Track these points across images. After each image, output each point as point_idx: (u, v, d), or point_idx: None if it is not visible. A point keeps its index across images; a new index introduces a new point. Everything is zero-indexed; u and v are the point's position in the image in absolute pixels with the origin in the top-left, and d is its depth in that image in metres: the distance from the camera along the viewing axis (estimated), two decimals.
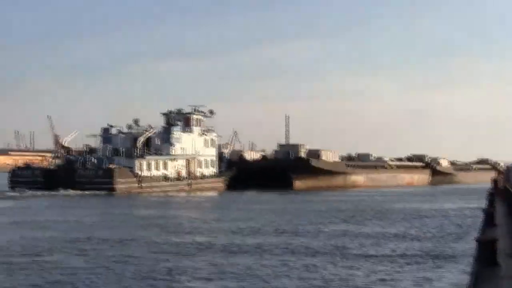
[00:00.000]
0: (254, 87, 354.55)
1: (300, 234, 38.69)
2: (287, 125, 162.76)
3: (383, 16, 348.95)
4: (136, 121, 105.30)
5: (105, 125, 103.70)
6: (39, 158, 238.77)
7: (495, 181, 45.33)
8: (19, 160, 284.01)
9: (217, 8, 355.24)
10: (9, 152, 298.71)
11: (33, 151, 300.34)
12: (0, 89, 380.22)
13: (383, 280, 24.18)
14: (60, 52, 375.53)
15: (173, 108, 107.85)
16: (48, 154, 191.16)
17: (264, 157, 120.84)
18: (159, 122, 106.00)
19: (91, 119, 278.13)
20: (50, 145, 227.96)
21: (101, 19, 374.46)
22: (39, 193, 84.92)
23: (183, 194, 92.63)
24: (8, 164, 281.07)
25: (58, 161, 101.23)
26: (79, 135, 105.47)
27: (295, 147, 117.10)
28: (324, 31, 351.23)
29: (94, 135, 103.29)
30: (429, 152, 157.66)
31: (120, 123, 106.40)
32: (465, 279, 19.09)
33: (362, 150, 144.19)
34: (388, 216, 53.27)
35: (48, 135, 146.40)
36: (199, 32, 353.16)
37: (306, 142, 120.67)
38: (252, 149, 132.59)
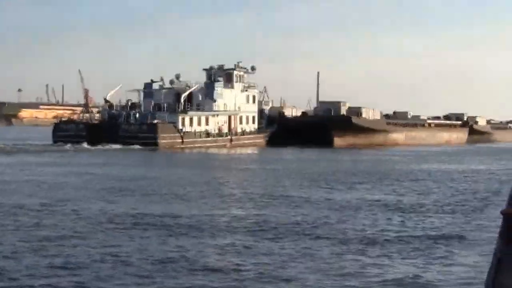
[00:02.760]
0: (286, 45, 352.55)
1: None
2: (318, 83, 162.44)
3: None
4: (177, 76, 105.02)
5: (146, 80, 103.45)
6: (69, 112, 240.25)
7: None
8: (48, 114, 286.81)
9: None
10: (39, 106, 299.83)
11: (63, 104, 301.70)
12: (34, 43, 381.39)
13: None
14: (96, 6, 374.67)
15: (214, 64, 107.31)
16: (78, 108, 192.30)
17: (304, 114, 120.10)
18: (198, 78, 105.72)
19: (130, 74, 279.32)
20: (81, 99, 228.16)
21: None
22: (85, 146, 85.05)
23: (224, 150, 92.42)
24: (36, 117, 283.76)
25: (97, 116, 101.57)
26: (121, 90, 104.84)
27: (336, 104, 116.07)
28: None
29: (136, 90, 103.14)
30: (464, 111, 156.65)
31: (159, 78, 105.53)
32: (484, 263, 17.54)
33: (398, 109, 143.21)
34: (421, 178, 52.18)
35: (79, 89, 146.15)
36: None
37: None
38: (280, 105, 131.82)
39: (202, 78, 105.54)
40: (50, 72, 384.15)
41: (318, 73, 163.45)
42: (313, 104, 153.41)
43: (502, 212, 6.19)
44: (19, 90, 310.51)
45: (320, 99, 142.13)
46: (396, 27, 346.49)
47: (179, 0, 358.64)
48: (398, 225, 26.47)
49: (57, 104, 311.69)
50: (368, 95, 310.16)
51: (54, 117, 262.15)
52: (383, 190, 39.91)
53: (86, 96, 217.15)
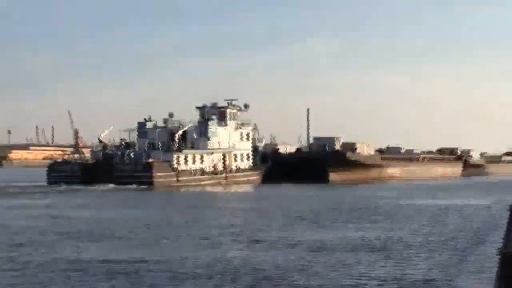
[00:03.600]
0: (274, 82, 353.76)
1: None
2: (308, 119, 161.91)
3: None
4: (170, 115, 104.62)
5: (136, 120, 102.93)
6: (59, 153, 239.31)
7: None
8: (38, 155, 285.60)
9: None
10: (29, 147, 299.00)
11: (53, 146, 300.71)
12: (21, 87, 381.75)
13: None
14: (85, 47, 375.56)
15: (207, 102, 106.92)
16: (68, 149, 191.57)
17: (298, 150, 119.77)
18: (191, 117, 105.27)
19: (120, 114, 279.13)
20: (71, 140, 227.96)
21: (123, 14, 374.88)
22: (79, 187, 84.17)
23: (219, 188, 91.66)
24: (27, 159, 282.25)
25: (88, 156, 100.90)
26: (113, 130, 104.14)
27: (330, 140, 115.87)
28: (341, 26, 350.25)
29: (130, 129, 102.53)
30: (457, 144, 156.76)
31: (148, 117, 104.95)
32: None
33: (389, 143, 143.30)
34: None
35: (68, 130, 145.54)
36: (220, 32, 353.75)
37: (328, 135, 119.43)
38: (272, 142, 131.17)
39: (195, 116, 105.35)
40: (40, 113, 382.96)
41: (308, 109, 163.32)
42: (304, 140, 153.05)
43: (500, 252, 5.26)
44: (9, 132, 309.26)
45: (312, 134, 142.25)
46: (382, 64, 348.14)
47: (170, 42, 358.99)
48: (382, 269, 24.86)
49: (47, 145, 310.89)
50: (359, 130, 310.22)
51: (45, 158, 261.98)
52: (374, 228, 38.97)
53: (76, 137, 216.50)
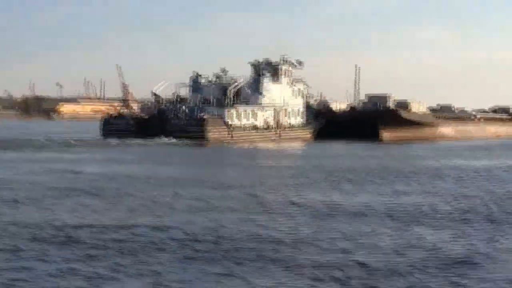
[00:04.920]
0: (325, 38, 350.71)
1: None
2: (357, 76, 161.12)
3: None
4: (223, 70, 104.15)
5: (185, 75, 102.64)
6: (108, 106, 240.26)
7: None
8: (88, 107, 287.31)
9: None
10: (78, 100, 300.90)
11: (102, 99, 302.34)
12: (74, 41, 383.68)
13: None
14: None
15: (260, 58, 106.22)
16: (116, 103, 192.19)
17: (352, 108, 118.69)
18: (242, 72, 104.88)
19: (169, 69, 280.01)
20: (119, 94, 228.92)
21: None
22: (133, 141, 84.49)
23: (271, 144, 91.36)
24: (76, 111, 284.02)
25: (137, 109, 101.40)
26: (166, 84, 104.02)
27: (383, 98, 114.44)
28: None
29: (184, 84, 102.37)
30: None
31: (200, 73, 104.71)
32: None
33: (440, 101, 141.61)
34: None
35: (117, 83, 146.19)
36: None
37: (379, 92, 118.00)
38: (320, 99, 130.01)
39: (247, 72, 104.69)
40: (89, 66, 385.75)
41: (357, 65, 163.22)
42: (351, 97, 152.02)
43: None
44: (58, 84, 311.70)
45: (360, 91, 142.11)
46: (434, 21, 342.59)
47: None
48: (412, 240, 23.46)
49: (96, 98, 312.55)
50: (408, 88, 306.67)
51: (94, 111, 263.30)
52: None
53: (125, 91, 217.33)
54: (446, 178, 44.61)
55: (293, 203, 31.38)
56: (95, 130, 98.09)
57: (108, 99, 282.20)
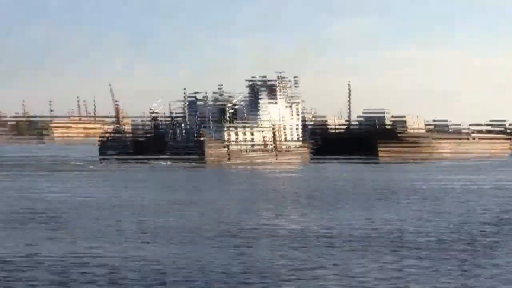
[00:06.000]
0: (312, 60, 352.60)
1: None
2: (349, 92, 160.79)
3: None
4: (220, 88, 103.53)
5: (187, 93, 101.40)
6: (100, 124, 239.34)
7: None
8: (80, 128, 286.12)
9: None
10: (70, 118, 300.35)
11: (94, 116, 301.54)
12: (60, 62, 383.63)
13: None
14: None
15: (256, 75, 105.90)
16: (108, 120, 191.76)
17: (348, 127, 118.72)
18: (238, 89, 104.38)
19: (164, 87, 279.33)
20: (111, 111, 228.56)
21: None
22: (131, 163, 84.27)
23: (269, 166, 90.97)
24: (68, 136, 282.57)
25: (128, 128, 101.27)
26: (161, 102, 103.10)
27: (381, 113, 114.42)
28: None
29: (180, 102, 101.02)
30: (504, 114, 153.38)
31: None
32: None
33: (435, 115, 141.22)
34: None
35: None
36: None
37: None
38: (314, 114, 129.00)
39: (242, 86, 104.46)
40: (81, 85, 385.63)
41: (349, 82, 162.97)
42: (345, 114, 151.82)
43: None
44: (50, 102, 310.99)
45: (352, 107, 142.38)
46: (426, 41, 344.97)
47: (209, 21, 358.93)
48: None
49: (87, 116, 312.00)
50: (403, 103, 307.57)
51: (86, 135, 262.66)
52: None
53: (116, 109, 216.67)
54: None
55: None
56: (87, 151, 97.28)
57: (99, 116, 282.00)
